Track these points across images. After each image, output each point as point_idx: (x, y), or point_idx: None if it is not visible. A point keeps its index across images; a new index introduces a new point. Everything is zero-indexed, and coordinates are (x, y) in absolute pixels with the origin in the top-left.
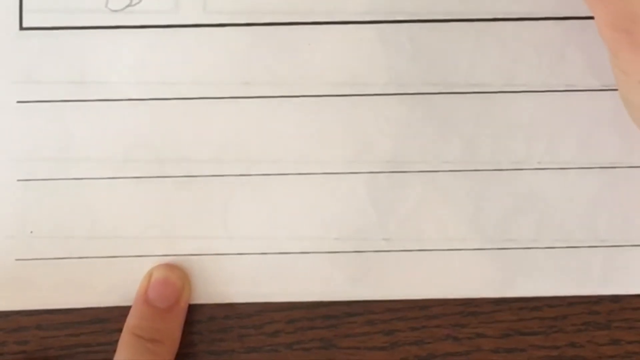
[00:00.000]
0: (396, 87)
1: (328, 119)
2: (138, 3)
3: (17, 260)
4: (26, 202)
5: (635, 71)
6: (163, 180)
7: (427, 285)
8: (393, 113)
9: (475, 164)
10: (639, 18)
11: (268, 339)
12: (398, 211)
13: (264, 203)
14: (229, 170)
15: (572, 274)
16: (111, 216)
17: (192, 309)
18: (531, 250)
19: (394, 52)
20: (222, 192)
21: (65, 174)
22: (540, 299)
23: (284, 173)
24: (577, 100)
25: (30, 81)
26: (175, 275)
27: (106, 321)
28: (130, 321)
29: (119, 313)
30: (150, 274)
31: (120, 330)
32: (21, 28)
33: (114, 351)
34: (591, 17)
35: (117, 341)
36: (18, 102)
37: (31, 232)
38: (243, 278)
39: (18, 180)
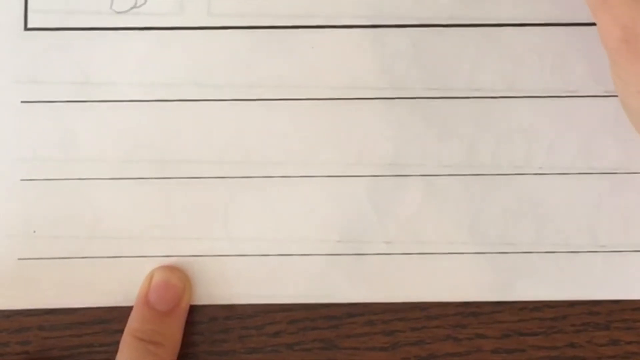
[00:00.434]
0: (398, 91)
1: (330, 122)
2: (142, 5)
3: (19, 259)
4: (29, 201)
5: (637, 82)
6: (165, 182)
7: (427, 289)
8: (394, 117)
9: (476, 168)
10: None
11: (269, 339)
12: (399, 214)
13: (265, 205)
14: (231, 172)
15: (571, 278)
16: (113, 217)
17: (194, 309)
18: (531, 254)
19: (395, 57)
20: (224, 194)
21: (68, 174)
22: (540, 300)
23: (286, 175)
24: (577, 105)
25: (34, 81)
26: (176, 278)
27: (108, 322)
28: (131, 324)
29: (121, 314)
30: (150, 277)
31: (122, 331)
32: (26, 28)
33: (116, 351)
34: (592, 24)
35: (119, 342)
36: (22, 102)
37: (34, 231)
38: (244, 280)
39: (21, 179)
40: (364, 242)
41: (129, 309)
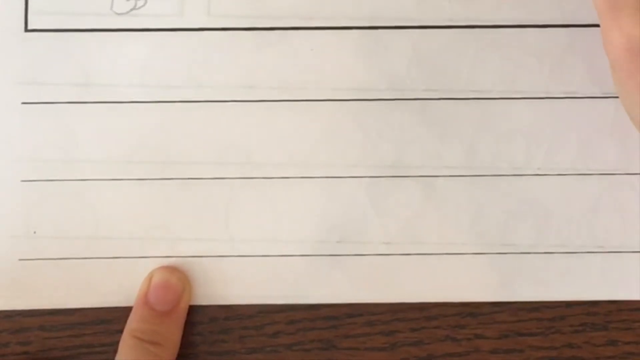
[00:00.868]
0: (398, 93)
1: (330, 123)
2: (143, 6)
3: (20, 260)
4: (30, 202)
5: None
6: (166, 182)
7: (427, 289)
8: (394, 118)
9: (476, 170)
10: None
11: (269, 339)
12: (399, 215)
13: (266, 206)
14: (231, 173)
15: (570, 279)
16: (114, 217)
17: (193, 310)
18: (530, 255)
19: (396, 58)
20: (224, 195)
21: (68, 175)
22: (539, 301)
23: (286, 176)
24: (577, 107)
25: (35, 83)
26: (176, 278)
27: (109, 322)
28: (131, 324)
29: (122, 314)
30: (150, 277)
31: (122, 331)
32: (26, 30)
33: (116, 351)
34: (591, 25)
35: (119, 342)
36: (23, 103)
37: (34, 232)
38: (244, 280)
39: (22, 180)
40: (364, 242)
41: (128, 310)
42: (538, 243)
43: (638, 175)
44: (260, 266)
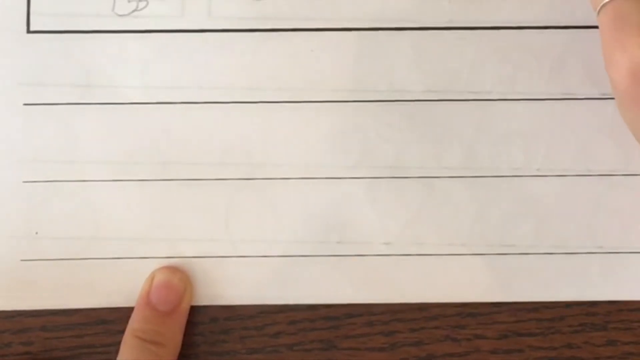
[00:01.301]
0: (397, 94)
1: (330, 124)
2: (144, 8)
3: (22, 260)
4: (31, 203)
5: None
6: (167, 183)
7: (427, 289)
8: (394, 119)
9: (475, 170)
10: None
11: (269, 340)
12: (399, 216)
13: (267, 207)
14: (232, 174)
15: (569, 279)
16: (115, 218)
17: (194, 310)
18: (529, 255)
19: (395, 59)
20: (225, 196)
21: (70, 176)
22: (538, 301)
23: (286, 177)
24: (576, 108)
25: (37, 84)
26: (177, 279)
27: (110, 322)
28: (133, 324)
29: (123, 314)
30: (152, 277)
31: (123, 332)
32: (28, 31)
33: (118, 352)
34: (590, 27)
35: (120, 342)
36: (25, 104)
37: (36, 233)
38: (245, 281)
39: (24, 181)
40: (364, 243)
41: (130, 310)
42: (537, 243)
43: (637, 176)
44: (260, 267)
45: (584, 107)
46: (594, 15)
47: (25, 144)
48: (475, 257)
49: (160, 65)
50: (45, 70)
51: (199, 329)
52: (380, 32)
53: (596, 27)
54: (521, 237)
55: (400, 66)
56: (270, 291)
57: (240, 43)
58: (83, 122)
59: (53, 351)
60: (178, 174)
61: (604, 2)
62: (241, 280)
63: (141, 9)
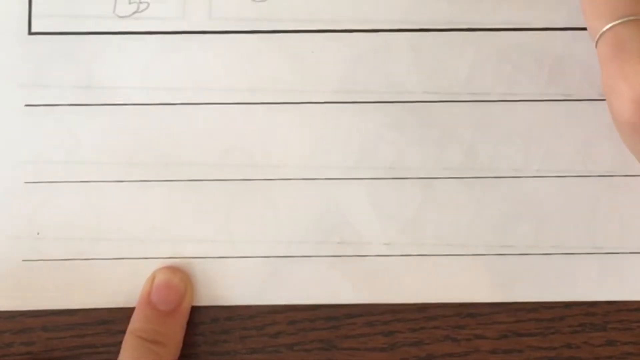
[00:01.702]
0: (397, 95)
1: (330, 125)
2: (145, 10)
3: (24, 261)
4: (33, 203)
5: None
6: (168, 184)
7: (427, 290)
8: (394, 120)
9: (475, 171)
10: None
11: (269, 340)
12: (398, 217)
13: (267, 207)
14: (233, 175)
15: (568, 280)
16: (116, 218)
17: (195, 310)
18: (529, 256)
19: (395, 61)
20: (226, 196)
21: (71, 177)
22: (537, 301)
23: (287, 178)
24: (575, 109)
25: (38, 85)
26: (178, 279)
27: (111, 322)
28: (134, 324)
29: (124, 314)
30: (152, 277)
31: (124, 332)
32: (30, 33)
33: (119, 352)
34: None
35: (121, 342)
36: (26, 105)
37: (38, 233)
38: (245, 281)
39: (25, 182)
40: (364, 244)
41: (131, 310)
42: (537, 244)
43: (636, 177)
44: (261, 267)
45: (584, 108)
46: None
47: (27, 145)
48: (475, 258)
49: (161, 66)
50: (47, 72)
51: (200, 329)
52: (379, 33)
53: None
54: (520, 238)
55: (400, 67)
56: (271, 292)
57: (241, 44)
58: (84, 123)
59: (54, 351)
60: (179, 174)
61: (603, 30)
62: (242, 281)
63: (142, 11)
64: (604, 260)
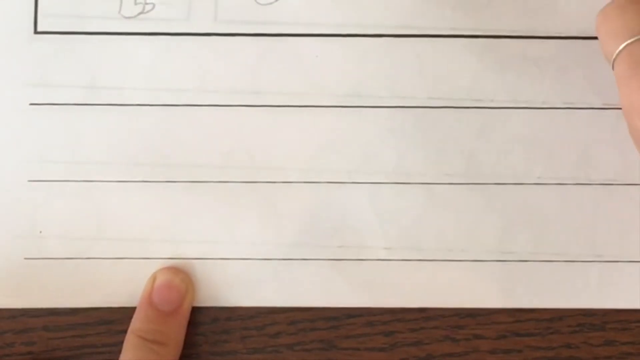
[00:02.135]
0: (400, 100)
1: (333, 129)
2: (150, 11)
3: (26, 259)
4: (36, 202)
5: None
6: (170, 185)
7: (426, 294)
8: (397, 125)
9: (476, 177)
10: None
11: (270, 340)
12: (399, 221)
13: (268, 210)
14: (235, 177)
15: (568, 287)
16: (118, 218)
17: (196, 310)
18: (529, 262)
19: (399, 66)
20: (228, 198)
21: (74, 176)
22: None
23: (289, 181)
24: (577, 117)
25: (43, 84)
26: (179, 279)
27: (112, 322)
28: (135, 324)
29: (125, 314)
30: (154, 278)
31: (125, 332)
32: (35, 32)
33: (120, 352)
34: (591, 37)
35: (122, 342)
36: (30, 104)
37: (40, 232)
38: (246, 283)
39: (28, 181)
40: (365, 247)
41: (132, 310)
42: (537, 251)
43: (637, 186)
44: (261, 269)
45: (585, 116)
46: (594, 21)
47: (31, 143)
48: (475, 264)
49: (166, 67)
50: (52, 71)
51: (200, 329)
52: (383, 38)
53: (598, 37)
54: (521, 244)
55: (403, 73)
56: (271, 294)
57: (246, 47)
58: (88, 122)
59: (55, 351)
60: (181, 175)
61: (619, 49)
62: (242, 283)
63: (147, 12)
64: (604, 268)
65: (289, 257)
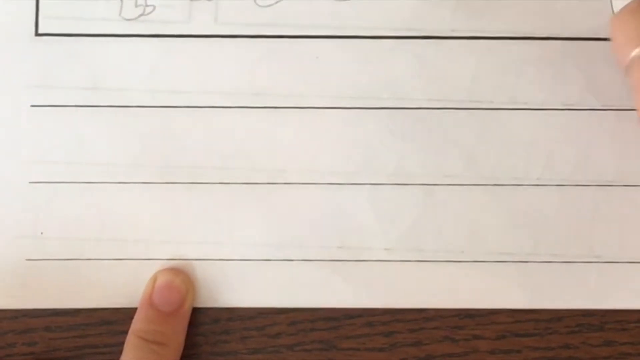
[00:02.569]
0: (400, 102)
1: (333, 130)
2: (151, 12)
3: (27, 260)
4: (37, 203)
5: None
6: (171, 186)
7: (426, 295)
8: (396, 126)
9: (476, 179)
10: None
11: (270, 340)
12: (399, 222)
13: (269, 211)
14: (235, 178)
15: (567, 287)
16: (119, 220)
17: (196, 311)
18: (528, 263)
19: (399, 67)
20: (228, 199)
21: (75, 178)
22: None
23: (289, 182)
24: (576, 118)
25: (44, 86)
26: (179, 280)
27: (113, 323)
28: (136, 325)
29: (126, 315)
30: (154, 278)
31: (126, 332)
32: (37, 34)
33: (121, 352)
34: (592, 39)
35: (123, 342)
36: (32, 106)
37: (42, 233)
38: (246, 284)
39: (30, 182)
40: (365, 248)
41: (133, 311)
42: (536, 252)
43: (636, 187)
44: (262, 270)
45: (584, 117)
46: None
47: (32, 145)
48: (474, 264)
49: (166, 69)
50: (53, 73)
51: (201, 330)
52: (383, 40)
53: (597, 39)
54: (520, 245)
55: (403, 74)
56: (271, 295)
57: (246, 49)
58: (89, 124)
59: (56, 351)
60: (182, 177)
61: (632, 54)
62: (242, 284)
63: (148, 14)
64: (603, 269)
65: (289, 258)
